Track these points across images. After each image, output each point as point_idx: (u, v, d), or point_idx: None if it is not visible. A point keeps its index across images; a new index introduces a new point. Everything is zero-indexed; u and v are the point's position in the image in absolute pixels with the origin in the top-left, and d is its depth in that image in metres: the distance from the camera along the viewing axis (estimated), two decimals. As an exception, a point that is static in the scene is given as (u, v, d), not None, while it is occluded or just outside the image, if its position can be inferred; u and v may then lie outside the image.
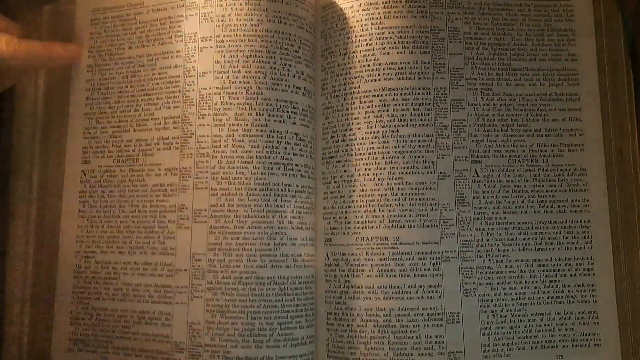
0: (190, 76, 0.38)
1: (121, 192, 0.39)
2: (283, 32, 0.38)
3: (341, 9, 0.39)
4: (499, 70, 0.39)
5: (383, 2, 0.38)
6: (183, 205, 0.37)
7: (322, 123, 0.39)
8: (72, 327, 0.38)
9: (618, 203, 0.37)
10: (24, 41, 0.37)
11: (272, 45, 0.38)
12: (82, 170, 0.40)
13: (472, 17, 0.39)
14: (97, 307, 0.38)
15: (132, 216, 0.38)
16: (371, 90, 0.38)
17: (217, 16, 0.39)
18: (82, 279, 0.39)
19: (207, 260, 0.36)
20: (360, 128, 0.38)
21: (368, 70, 0.38)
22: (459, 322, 0.36)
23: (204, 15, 0.39)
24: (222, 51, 0.38)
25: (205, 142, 0.37)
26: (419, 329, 0.35)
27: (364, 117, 0.38)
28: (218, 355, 0.35)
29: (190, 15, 0.39)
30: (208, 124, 0.38)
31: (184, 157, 0.38)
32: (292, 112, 0.38)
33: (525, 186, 0.37)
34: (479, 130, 0.38)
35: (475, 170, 0.37)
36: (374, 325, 0.36)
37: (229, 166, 0.37)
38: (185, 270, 0.37)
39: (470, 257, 0.36)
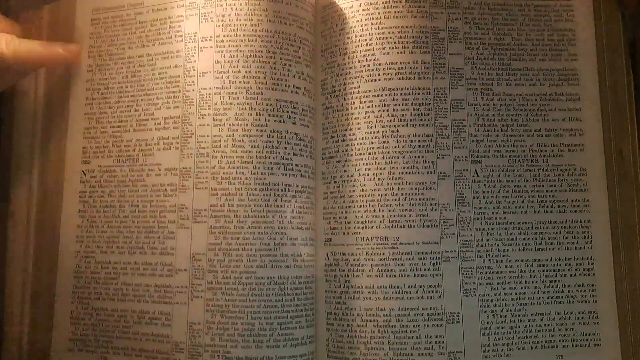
0: (190, 76, 0.38)
1: (121, 192, 0.39)
2: (283, 32, 0.38)
3: (341, 9, 0.39)
4: (499, 70, 0.39)
5: (383, 2, 0.38)
6: (183, 205, 0.37)
7: (322, 123, 0.39)
8: (72, 327, 0.38)
9: (618, 203, 0.37)
10: (24, 41, 0.37)
11: (272, 45, 0.38)
12: (82, 170, 0.40)
13: (472, 17, 0.39)
14: (97, 307, 0.38)
15: (132, 216, 0.38)
16: (371, 90, 0.38)
17: (217, 16, 0.39)
18: (82, 279, 0.39)
19: (207, 260, 0.36)
20: (360, 128, 0.38)
21: (368, 70, 0.38)
22: (459, 322, 0.36)
23: (204, 15, 0.39)
24: (222, 51, 0.38)
25: (205, 142, 0.37)
26: (419, 329, 0.35)
27: (364, 117, 0.38)
28: (218, 355, 0.35)
29: (190, 15, 0.39)
30: (208, 124, 0.38)
31: (184, 157, 0.38)
32: (292, 112, 0.38)
33: (525, 186, 0.37)
34: (479, 130, 0.38)
35: (475, 170, 0.37)
36: (374, 325, 0.36)
37: (229, 166, 0.37)
38: (185, 270, 0.37)
39: (470, 257, 0.36)
